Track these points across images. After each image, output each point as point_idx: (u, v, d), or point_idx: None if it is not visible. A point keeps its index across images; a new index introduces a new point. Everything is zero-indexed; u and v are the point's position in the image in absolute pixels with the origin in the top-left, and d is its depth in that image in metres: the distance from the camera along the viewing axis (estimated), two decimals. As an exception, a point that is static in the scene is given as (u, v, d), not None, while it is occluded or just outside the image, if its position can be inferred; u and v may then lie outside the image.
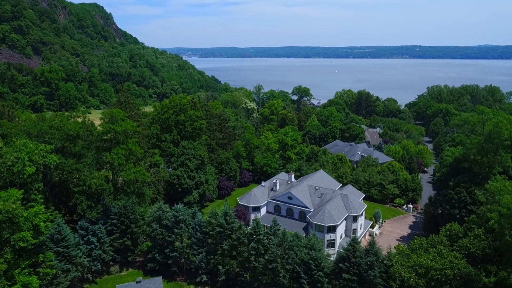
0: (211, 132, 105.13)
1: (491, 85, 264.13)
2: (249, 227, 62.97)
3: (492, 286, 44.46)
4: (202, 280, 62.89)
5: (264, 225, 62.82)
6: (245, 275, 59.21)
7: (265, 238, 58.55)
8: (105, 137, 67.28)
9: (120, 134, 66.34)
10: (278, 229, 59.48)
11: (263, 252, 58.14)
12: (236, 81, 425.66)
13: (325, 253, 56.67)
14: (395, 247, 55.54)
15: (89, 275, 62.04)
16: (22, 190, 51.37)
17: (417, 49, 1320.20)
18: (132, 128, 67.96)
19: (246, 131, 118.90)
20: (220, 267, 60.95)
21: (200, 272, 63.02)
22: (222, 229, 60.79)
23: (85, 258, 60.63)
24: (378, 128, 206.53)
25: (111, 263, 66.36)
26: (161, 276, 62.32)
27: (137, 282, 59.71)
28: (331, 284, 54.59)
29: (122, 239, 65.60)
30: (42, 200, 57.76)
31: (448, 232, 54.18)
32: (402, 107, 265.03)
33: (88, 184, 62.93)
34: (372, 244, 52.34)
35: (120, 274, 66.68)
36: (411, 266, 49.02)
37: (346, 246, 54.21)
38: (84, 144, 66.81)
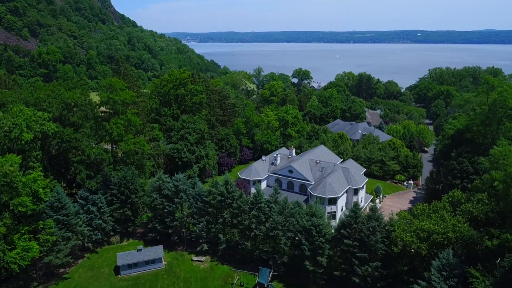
0: (211, 108, 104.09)
1: (493, 66, 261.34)
2: (250, 196, 62.50)
3: (495, 248, 44.21)
4: (203, 249, 62.88)
5: (265, 198, 62.46)
6: (246, 243, 59.05)
7: (266, 206, 58.23)
8: (103, 108, 66.23)
9: (119, 104, 65.30)
10: (279, 197, 59.07)
11: (264, 220, 57.88)
12: (235, 66, 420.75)
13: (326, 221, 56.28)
14: (397, 214, 55.22)
15: (89, 244, 61.94)
16: (20, 156, 50.66)
17: (419, 34, 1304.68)
18: (131, 98, 66.88)
19: (246, 108, 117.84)
20: (220, 235, 60.79)
21: (200, 241, 62.93)
22: (223, 198, 60.38)
23: (85, 227, 60.40)
24: (379, 110, 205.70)
25: (111, 233, 66.25)
26: (161, 245, 62.36)
27: (137, 250, 59.84)
28: (333, 251, 54.47)
29: (122, 209, 65.27)
30: (40, 168, 57.11)
31: (450, 199, 53.76)
32: (403, 90, 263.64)
33: (87, 154, 62.28)
34: (374, 209, 51.98)
35: (121, 244, 66.67)
36: (413, 230, 48.74)
37: (347, 213, 53.88)
38: (82, 114, 65.84)
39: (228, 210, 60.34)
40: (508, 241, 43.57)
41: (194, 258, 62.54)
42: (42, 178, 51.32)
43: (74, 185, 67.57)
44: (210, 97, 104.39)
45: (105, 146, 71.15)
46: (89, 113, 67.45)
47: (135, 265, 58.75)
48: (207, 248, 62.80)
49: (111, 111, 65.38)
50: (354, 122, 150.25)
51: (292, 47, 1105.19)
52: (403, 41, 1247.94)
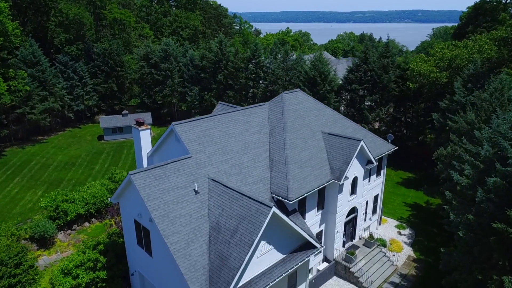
0: (206, 21, 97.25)
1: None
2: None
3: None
4: (196, 120, 57.10)
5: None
6: (242, 104, 53.35)
7: (265, 60, 52.43)
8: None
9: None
10: (279, 51, 53.23)
11: (262, 76, 52.11)
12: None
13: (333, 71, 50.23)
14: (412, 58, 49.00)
15: (71, 114, 56.26)
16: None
17: (420, 14, 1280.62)
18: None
19: (244, 28, 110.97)
20: (215, 101, 55.01)
21: (193, 111, 57.27)
22: (217, 59, 54.39)
23: (65, 93, 54.57)
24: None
25: (95, 109, 60.55)
26: (150, 112, 56.71)
27: (123, 115, 54.12)
28: (339, 100, 48.78)
29: (107, 83, 59.44)
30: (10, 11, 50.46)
31: (473, 43, 47.77)
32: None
33: (65, 14, 56.01)
34: (387, 46, 46.07)
35: (106, 122, 61.03)
36: (433, 61, 43.01)
37: (358, 54, 48.03)
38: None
39: (223, 72, 54.39)
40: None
41: (186, 130, 56.88)
42: (9, 12, 45.11)
43: (52, 50, 61.13)
44: (204, 9, 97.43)
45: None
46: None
47: (120, 130, 53.12)
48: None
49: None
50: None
51: (291, 26, 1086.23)
52: (404, 21, 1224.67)
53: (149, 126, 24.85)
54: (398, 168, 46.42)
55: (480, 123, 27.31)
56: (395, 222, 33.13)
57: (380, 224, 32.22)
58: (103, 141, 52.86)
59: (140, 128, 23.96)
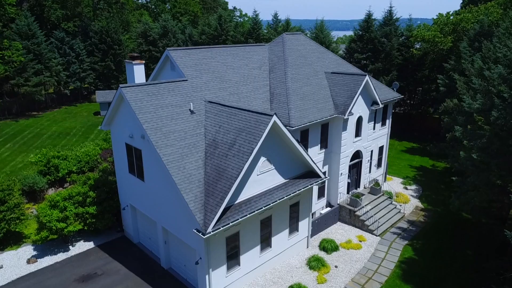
0: (206, 10, 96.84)
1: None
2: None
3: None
4: (194, 97, 56.04)
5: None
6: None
7: (266, 32, 51.54)
8: None
9: None
10: (280, 22, 52.37)
11: (262, 50, 51.07)
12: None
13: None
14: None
15: (67, 91, 55.10)
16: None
17: (418, 22, 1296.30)
18: None
19: (244, 21, 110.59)
20: (214, 76, 53.96)
21: (191, 88, 56.08)
22: (216, 34, 53.53)
23: (61, 69, 53.50)
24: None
25: (92, 88, 59.43)
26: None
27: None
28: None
29: (105, 61, 58.43)
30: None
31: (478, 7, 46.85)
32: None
33: (62, -10, 55.39)
34: (389, 13, 45.12)
35: (103, 101, 59.88)
36: (437, 27, 42.06)
37: (360, 23, 47.12)
38: None
39: (222, 47, 53.36)
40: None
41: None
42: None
43: (49, 26, 60.11)
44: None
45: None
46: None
47: (117, 105, 51.83)
48: (198, 96, 55.94)
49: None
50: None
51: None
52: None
53: (143, 61, 23.68)
54: (402, 139, 45.20)
55: (490, 64, 26.14)
56: (401, 180, 31.79)
57: (385, 181, 30.87)
58: (99, 116, 51.68)
59: (134, 62, 22.71)
